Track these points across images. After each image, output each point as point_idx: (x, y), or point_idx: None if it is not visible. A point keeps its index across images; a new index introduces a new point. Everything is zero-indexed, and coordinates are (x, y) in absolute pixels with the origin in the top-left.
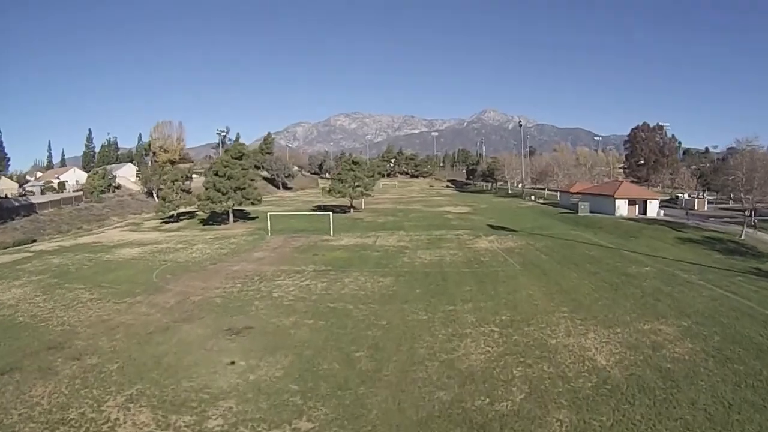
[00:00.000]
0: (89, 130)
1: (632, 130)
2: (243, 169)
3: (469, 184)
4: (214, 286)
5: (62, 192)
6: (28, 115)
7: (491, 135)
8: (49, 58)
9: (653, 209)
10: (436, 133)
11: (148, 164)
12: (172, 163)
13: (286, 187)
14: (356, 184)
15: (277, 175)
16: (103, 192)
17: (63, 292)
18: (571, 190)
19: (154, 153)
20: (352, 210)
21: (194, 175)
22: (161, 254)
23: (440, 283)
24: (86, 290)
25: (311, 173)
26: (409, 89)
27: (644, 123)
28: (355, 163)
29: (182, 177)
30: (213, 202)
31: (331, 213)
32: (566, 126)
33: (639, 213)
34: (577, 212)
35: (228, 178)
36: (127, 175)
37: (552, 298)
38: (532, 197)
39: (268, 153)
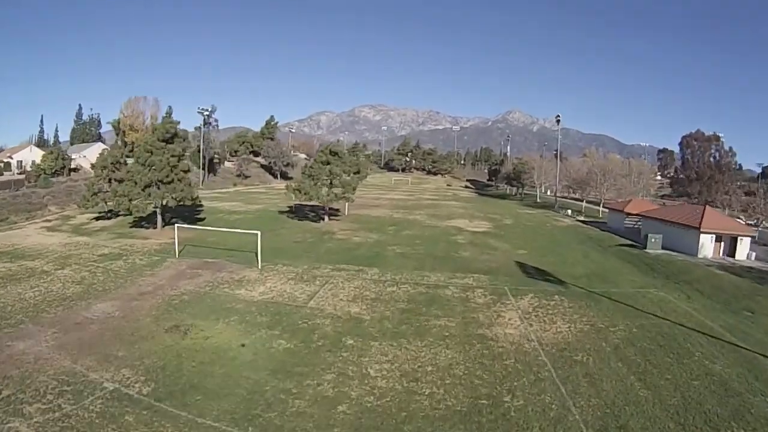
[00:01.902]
0: (79, 105)
1: (684, 137)
2: (173, 156)
3: (491, 186)
4: None
5: (2, 174)
6: (28, 88)
7: (515, 136)
8: (52, 33)
9: (744, 250)
10: (458, 128)
11: (117, 144)
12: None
13: (285, 177)
14: (332, 183)
15: (274, 163)
16: (54, 175)
17: None
18: (626, 209)
19: (123, 132)
20: (326, 218)
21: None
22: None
23: None
24: None
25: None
26: (435, 84)
27: (698, 131)
28: (333, 153)
29: (114, 162)
30: (130, 199)
31: (259, 234)
32: (591, 132)
33: (725, 253)
34: (644, 247)
35: (150, 168)
36: (92, 156)
37: None
38: (568, 211)
39: (270, 138)
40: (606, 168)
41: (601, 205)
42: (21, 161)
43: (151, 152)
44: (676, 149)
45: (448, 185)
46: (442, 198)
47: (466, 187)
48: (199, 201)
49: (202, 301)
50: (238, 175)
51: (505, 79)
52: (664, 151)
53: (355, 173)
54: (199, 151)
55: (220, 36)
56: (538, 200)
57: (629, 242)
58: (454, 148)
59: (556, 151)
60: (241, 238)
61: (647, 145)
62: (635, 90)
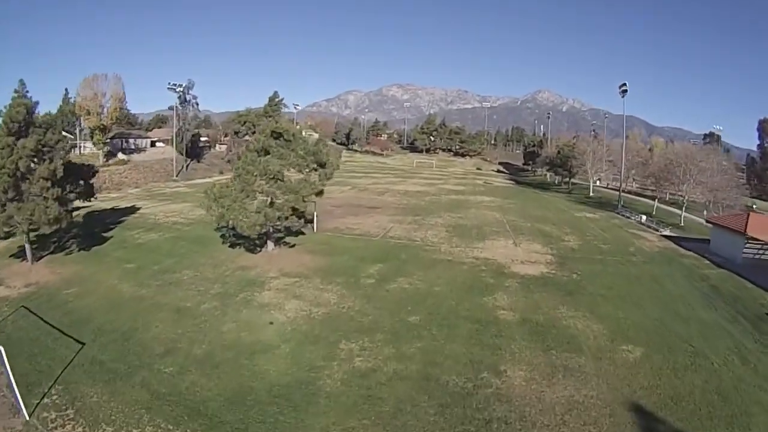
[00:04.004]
0: (65, 90)
1: (762, 122)
2: (27, 156)
3: (527, 170)
4: None
5: None
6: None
7: (544, 115)
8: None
9: None
10: (488, 104)
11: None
12: (102, 130)
13: None
14: (271, 192)
15: None
16: None
17: None
18: (748, 230)
19: (80, 117)
20: (271, 245)
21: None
22: None
23: None
24: None
25: (338, 143)
26: (464, 63)
27: None
28: (278, 136)
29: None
30: None
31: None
32: (620, 112)
33: None
34: None
35: None
36: None
37: None
38: (642, 217)
39: (272, 116)
40: (693, 159)
41: (684, 208)
42: None
43: None
44: (723, 134)
45: (478, 169)
46: (470, 190)
47: (499, 171)
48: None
49: None
50: (229, 161)
51: (534, 58)
52: (710, 135)
53: (314, 169)
54: (178, 135)
55: (245, 16)
56: (591, 194)
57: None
58: (484, 127)
59: (593, 130)
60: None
61: (678, 128)
62: (663, 70)
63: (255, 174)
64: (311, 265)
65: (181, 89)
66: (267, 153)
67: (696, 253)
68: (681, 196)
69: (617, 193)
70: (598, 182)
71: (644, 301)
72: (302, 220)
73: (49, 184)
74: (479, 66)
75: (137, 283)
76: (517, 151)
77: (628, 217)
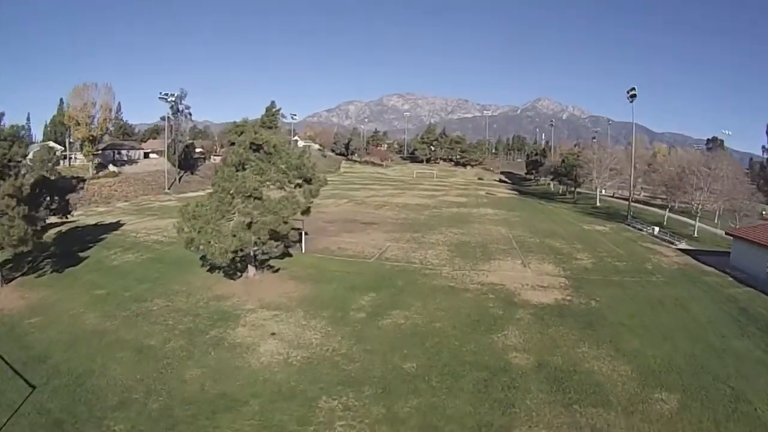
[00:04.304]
0: (60, 99)
1: None
2: None
3: (529, 179)
4: None
5: None
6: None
7: (544, 123)
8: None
9: None
10: (489, 113)
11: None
12: (92, 141)
13: None
14: (247, 213)
15: None
16: None
17: None
18: None
19: (69, 128)
20: (252, 271)
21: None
22: None
23: None
24: None
25: (337, 154)
26: (464, 73)
27: None
28: (257, 148)
29: None
30: None
31: None
32: (621, 119)
33: None
34: None
35: None
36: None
37: None
38: (654, 228)
39: (270, 127)
40: (707, 166)
41: (697, 218)
42: None
43: None
44: (727, 139)
45: (479, 179)
46: (473, 201)
47: (501, 181)
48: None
49: None
50: None
51: (533, 66)
52: (713, 140)
53: (298, 185)
54: (170, 146)
55: (246, 26)
56: (598, 204)
57: None
58: (485, 136)
59: (594, 138)
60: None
61: (679, 133)
62: (662, 75)
63: (230, 192)
64: (294, 295)
65: (173, 99)
66: (244, 167)
67: (717, 269)
68: (694, 205)
69: (625, 202)
70: (603, 191)
71: (672, 332)
72: (282, 245)
73: (14, 201)
74: (479, 75)
75: (103, 314)
76: (519, 160)
77: (640, 229)
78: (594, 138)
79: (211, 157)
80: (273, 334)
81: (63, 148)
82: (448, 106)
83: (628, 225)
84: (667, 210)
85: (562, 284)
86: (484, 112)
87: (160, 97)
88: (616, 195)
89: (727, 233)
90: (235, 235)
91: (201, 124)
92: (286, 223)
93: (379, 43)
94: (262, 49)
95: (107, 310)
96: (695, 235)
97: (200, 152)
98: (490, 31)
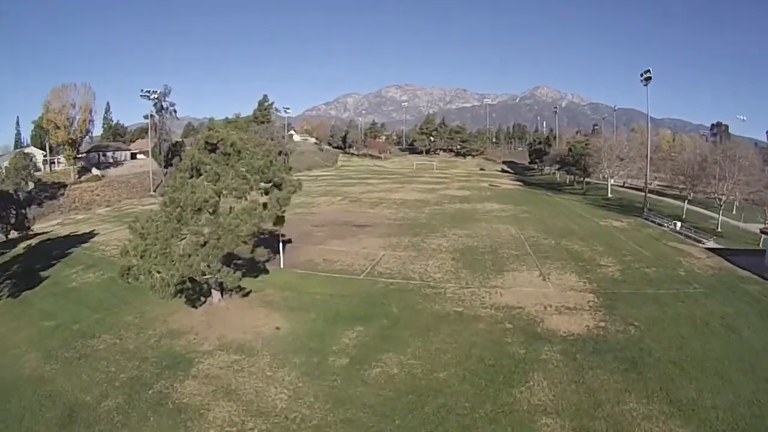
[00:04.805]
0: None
1: None
2: None
3: (533, 169)
4: None
5: None
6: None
7: (543, 111)
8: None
9: None
10: (490, 101)
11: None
12: (72, 144)
13: None
14: (197, 231)
15: None
16: None
17: None
18: None
19: (48, 132)
20: (218, 296)
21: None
22: None
23: None
24: None
25: (334, 147)
26: (462, 62)
27: None
28: (213, 149)
29: None
30: None
31: None
32: (621, 106)
33: None
34: None
35: None
36: None
37: None
38: (677, 224)
39: (263, 122)
40: (732, 155)
41: (721, 212)
42: None
43: None
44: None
45: (481, 169)
46: (476, 195)
47: (503, 171)
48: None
49: None
50: None
51: (531, 54)
52: (718, 126)
53: (264, 192)
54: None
55: (239, 21)
56: (610, 195)
57: None
58: (486, 125)
59: (596, 125)
60: None
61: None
62: (661, 61)
63: (180, 204)
64: (263, 330)
65: (156, 96)
66: (200, 172)
67: (753, 273)
68: (716, 196)
69: (637, 192)
70: (612, 181)
71: (728, 369)
72: (239, 274)
73: None
74: (477, 64)
75: (46, 354)
76: (520, 149)
77: (660, 224)
78: (596, 126)
79: None
80: (229, 392)
81: (45, 153)
82: (446, 96)
83: (646, 219)
84: (686, 202)
85: (591, 303)
86: (485, 100)
87: (141, 95)
88: (626, 185)
89: (762, 231)
90: (183, 259)
91: (197, 121)
92: (245, 243)
93: (376, 35)
94: (260, 44)
95: (51, 348)
96: (719, 229)
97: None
98: (487, 20)
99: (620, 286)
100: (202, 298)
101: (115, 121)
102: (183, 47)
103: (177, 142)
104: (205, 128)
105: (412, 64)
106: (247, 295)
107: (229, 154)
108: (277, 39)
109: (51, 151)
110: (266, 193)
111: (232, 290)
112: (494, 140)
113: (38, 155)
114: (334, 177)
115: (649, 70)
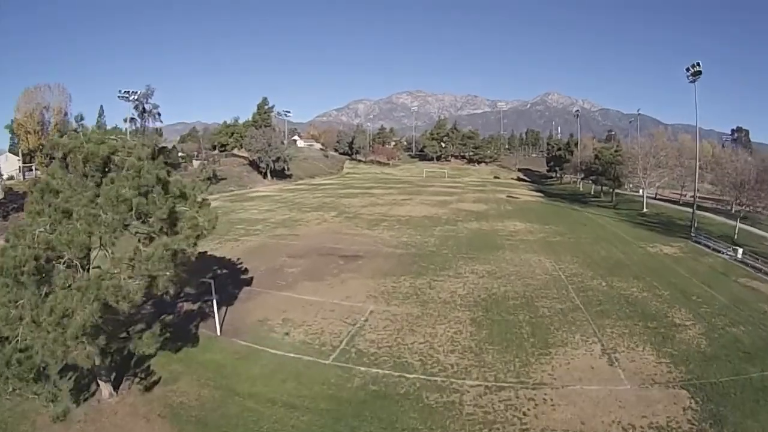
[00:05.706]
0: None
1: None
2: None
3: (551, 177)
4: None
5: None
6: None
7: (554, 117)
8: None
9: None
10: (503, 106)
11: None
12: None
13: (280, 176)
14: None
15: (259, 158)
16: None
17: None
18: None
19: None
20: (110, 392)
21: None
22: None
23: None
24: None
25: (341, 153)
26: (473, 69)
27: None
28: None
29: None
30: None
31: None
32: (631, 111)
33: None
34: None
35: None
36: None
37: None
38: (738, 250)
39: (262, 126)
40: None
41: None
42: None
43: None
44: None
45: (495, 177)
46: (495, 210)
47: (519, 179)
48: None
49: None
50: (207, 179)
51: (542, 60)
52: (739, 130)
53: (151, 235)
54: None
55: (250, 26)
56: (645, 210)
57: None
58: (500, 131)
59: (610, 130)
60: None
61: (689, 124)
62: (670, 66)
63: (23, 257)
64: None
65: (135, 98)
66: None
67: None
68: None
69: (671, 206)
70: (648, 192)
71: None
72: (108, 361)
73: None
74: (488, 70)
75: None
76: (534, 155)
77: (717, 251)
78: (611, 131)
79: (193, 161)
80: None
81: (18, 159)
82: (457, 103)
83: (697, 242)
84: (738, 220)
85: (689, 413)
86: (499, 104)
87: (120, 96)
88: (658, 196)
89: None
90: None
91: (200, 126)
92: (120, 317)
93: (387, 42)
94: (270, 49)
95: None
96: None
97: (182, 156)
98: (497, 26)
99: (713, 367)
100: (86, 394)
101: (109, 126)
102: (186, 52)
103: (162, 147)
104: (226, 129)
105: (423, 70)
106: (150, 388)
107: (87, 176)
108: (288, 45)
109: (25, 158)
110: (156, 236)
111: (133, 376)
112: (507, 147)
113: (14, 162)
114: (335, 186)
115: (698, 63)
